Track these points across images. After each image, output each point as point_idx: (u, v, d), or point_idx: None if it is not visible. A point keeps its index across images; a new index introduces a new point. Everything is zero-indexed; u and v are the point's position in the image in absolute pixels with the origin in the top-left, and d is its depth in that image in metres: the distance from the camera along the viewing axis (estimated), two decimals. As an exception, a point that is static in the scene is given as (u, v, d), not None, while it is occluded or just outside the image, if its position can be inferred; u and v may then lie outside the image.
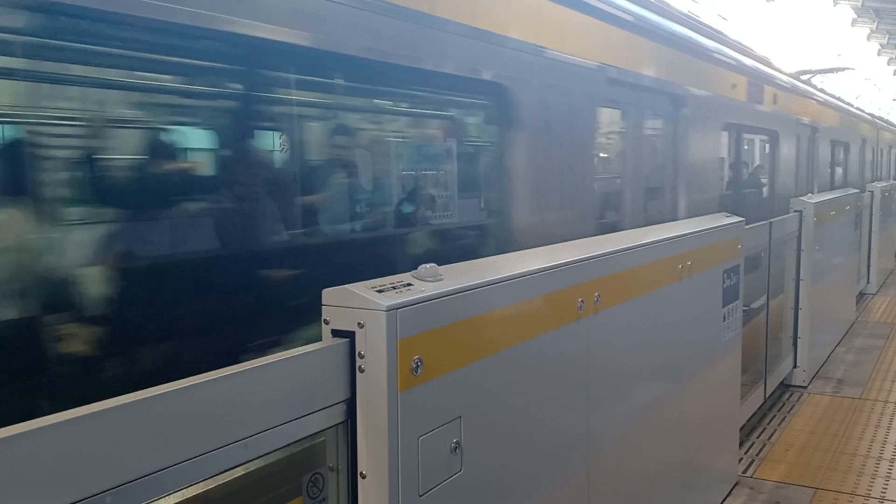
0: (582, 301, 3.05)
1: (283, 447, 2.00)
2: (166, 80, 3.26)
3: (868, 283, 12.54)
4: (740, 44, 9.42)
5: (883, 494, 5.07)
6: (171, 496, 1.73)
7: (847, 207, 9.44)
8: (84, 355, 2.62)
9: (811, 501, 5.00)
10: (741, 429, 5.74)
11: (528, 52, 4.38)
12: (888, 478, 5.32)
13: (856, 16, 24.16)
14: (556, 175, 4.73)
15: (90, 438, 1.54)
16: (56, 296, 2.63)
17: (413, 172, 4.51)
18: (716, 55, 7.79)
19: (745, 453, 5.79)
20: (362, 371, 2.10)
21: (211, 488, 2.07)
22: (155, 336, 2.94)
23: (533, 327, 2.78)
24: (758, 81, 9.16)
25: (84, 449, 1.53)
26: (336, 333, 2.13)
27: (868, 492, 5.12)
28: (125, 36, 2.66)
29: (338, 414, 2.11)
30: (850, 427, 6.37)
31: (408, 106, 4.66)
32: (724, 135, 8.47)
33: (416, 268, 2.37)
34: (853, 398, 7.15)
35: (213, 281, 3.18)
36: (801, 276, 7.43)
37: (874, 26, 26.38)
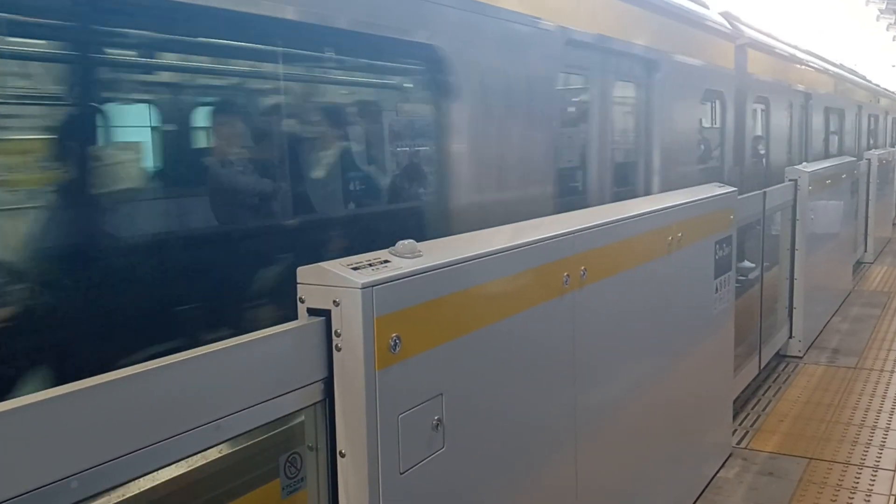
0: (567, 275, 3.01)
1: (259, 427, 1.97)
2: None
3: (865, 251, 12.50)
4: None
5: (877, 463, 5.08)
6: (141, 480, 1.71)
7: (843, 176, 9.37)
8: None
9: (804, 471, 5.00)
10: (735, 400, 5.73)
11: None
12: (882, 447, 5.32)
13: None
14: None
15: (54, 421, 1.51)
16: None
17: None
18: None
19: (740, 425, 5.78)
20: (339, 349, 2.07)
21: (184, 471, 2.05)
22: None
23: (516, 303, 2.74)
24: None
25: (48, 432, 1.50)
26: (312, 312, 2.10)
27: (862, 461, 5.12)
28: None
29: (315, 393, 2.09)
30: (844, 397, 6.37)
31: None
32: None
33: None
34: (848, 367, 7.14)
35: None
36: (797, 246, 7.40)
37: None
